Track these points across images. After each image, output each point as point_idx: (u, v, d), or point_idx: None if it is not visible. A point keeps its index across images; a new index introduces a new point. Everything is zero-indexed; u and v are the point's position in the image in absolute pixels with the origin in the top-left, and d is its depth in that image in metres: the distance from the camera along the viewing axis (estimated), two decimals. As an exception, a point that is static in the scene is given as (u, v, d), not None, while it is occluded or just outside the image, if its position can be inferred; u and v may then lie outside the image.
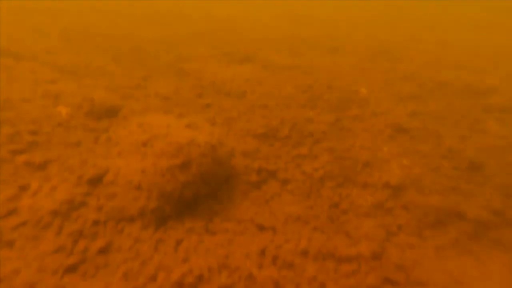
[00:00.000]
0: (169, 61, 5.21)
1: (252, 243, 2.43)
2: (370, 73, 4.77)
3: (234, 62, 5.58)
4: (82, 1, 9.60)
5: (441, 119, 3.73)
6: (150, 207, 2.31)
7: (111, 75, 4.21)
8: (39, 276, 1.61)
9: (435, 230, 2.79)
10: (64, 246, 1.85)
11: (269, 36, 8.18)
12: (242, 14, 11.98)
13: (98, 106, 3.10)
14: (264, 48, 6.65)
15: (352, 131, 3.70)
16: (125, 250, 2.02)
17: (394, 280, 2.20)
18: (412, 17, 14.09)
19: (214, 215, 2.66)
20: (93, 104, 3.09)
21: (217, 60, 5.59)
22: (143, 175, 2.38)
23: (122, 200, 2.27)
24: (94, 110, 3.07)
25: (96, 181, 2.31)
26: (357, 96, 4.22)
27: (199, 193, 2.63)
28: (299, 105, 4.11)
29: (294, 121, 3.78)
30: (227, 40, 7.34)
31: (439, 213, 2.90)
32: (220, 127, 3.58)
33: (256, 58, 5.72)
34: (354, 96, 4.23)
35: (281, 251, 2.39)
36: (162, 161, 2.44)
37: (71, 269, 1.75)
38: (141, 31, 7.42)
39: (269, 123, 3.70)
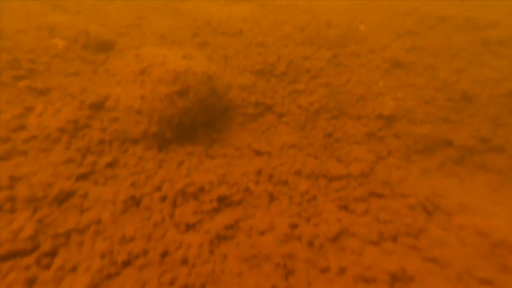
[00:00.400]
0: (163, 1, 5.02)
1: (249, 165, 2.59)
2: (369, 10, 4.63)
3: (230, 2, 5.37)
4: None
5: (439, 54, 3.71)
6: (152, 130, 2.43)
7: (105, 14, 4.10)
8: (54, 179, 1.77)
9: (422, 155, 2.95)
10: (73, 159, 1.99)
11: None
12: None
13: (94, 40, 3.09)
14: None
15: (349, 67, 3.71)
16: (131, 166, 2.17)
17: (379, 193, 2.39)
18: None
19: (213, 142, 2.80)
20: (88, 38, 3.07)
21: (212, 0, 5.38)
22: (142, 101, 2.46)
23: (124, 123, 2.38)
24: (90, 44, 3.06)
25: (98, 106, 2.40)
26: (356, 33, 4.14)
27: (197, 121, 2.74)
28: (297, 43, 4.06)
29: (291, 58, 3.76)
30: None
31: (428, 140, 3.03)
32: (216, 64, 3.59)
33: (253, -2, 5.48)
34: (352, 33, 4.15)
35: (276, 171, 2.56)
36: (160, 88, 2.50)
37: (82, 176, 1.91)
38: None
39: (266, 60, 3.70)
